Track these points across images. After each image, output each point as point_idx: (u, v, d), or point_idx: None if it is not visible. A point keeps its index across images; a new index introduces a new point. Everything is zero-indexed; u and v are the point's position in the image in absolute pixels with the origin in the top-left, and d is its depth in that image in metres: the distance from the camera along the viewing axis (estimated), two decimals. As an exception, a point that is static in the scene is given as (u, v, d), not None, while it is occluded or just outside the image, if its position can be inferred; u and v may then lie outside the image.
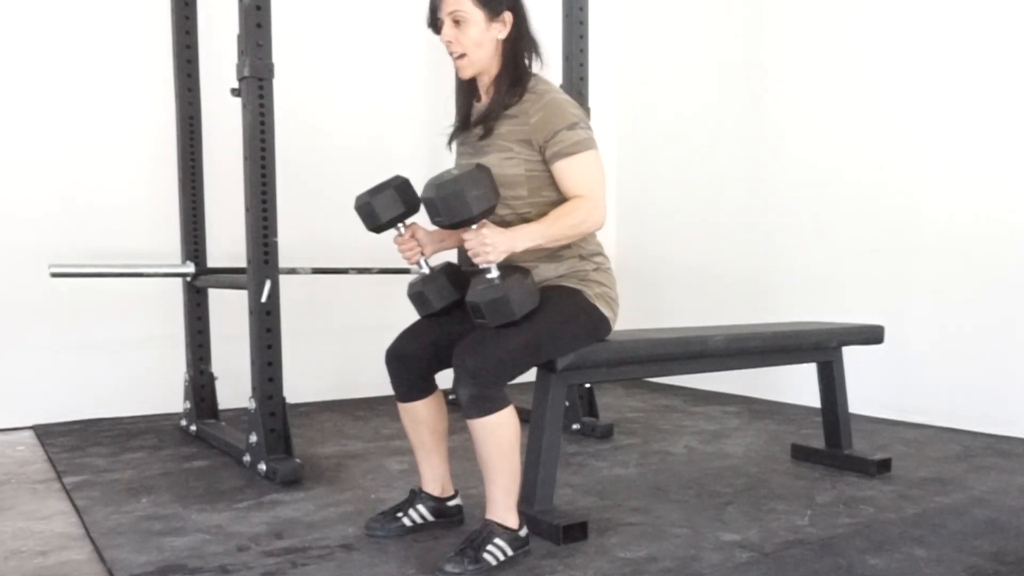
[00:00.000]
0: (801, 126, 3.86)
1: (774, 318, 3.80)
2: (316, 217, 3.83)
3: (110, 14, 3.41)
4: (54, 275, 2.80)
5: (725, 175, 4.24)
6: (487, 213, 1.76)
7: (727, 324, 2.71)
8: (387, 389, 4.15)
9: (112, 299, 3.41)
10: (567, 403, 3.12)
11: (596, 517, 2.09)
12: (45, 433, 3.12)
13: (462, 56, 1.88)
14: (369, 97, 4.05)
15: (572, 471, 2.59)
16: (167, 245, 3.24)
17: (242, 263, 2.54)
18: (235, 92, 2.50)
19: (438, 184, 1.73)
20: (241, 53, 2.41)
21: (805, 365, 2.71)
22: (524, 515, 1.86)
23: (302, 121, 3.75)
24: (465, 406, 1.75)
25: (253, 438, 2.50)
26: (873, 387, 3.49)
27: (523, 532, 1.82)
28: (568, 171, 1.85)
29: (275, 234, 2.47)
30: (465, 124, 2.01)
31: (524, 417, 1.86)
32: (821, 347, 2.59)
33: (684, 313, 4.33)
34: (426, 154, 4.19)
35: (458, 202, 1.72)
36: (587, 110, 3.18)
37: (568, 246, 1.94)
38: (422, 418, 1.99)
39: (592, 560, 1.79)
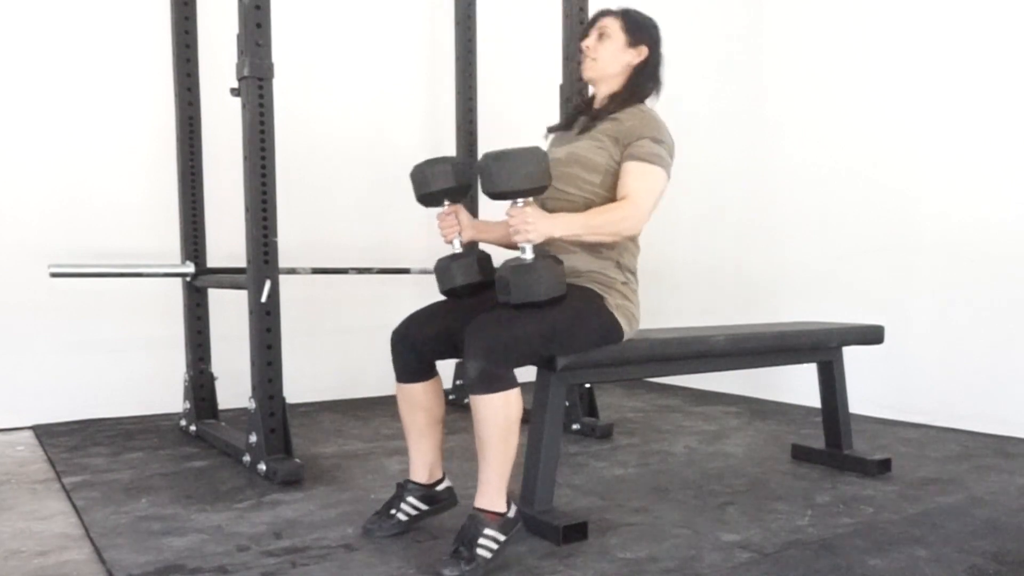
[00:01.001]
0: (801, 126, 3.86)
1: (774, 318, 3.80)
2: (316, 217, 3.83)
3: (110, 14, 3.41)
4: (54, 275, 2.80)
5: (725, 175, 4.24)
6: (534, 192, 1.82)
7: (727, 324, 2.71)
8: (387, 389, 4.13)
9: (112, 299, 3.41)
10: (567, 403, 3.12)
11: (596, 517, 2.09)
12: (45, 433, 3.12)
13: (592, 59, 2.11)
14: (369, 97, 4.05)
15: (572, 471, 2.58)
16: (167, 245, 3.24)
17: (242, 263, 2.54)
18: (235, 92, 2.50)
19: (495, 154, 1.79)
20: (241, 53, 2.41)
21: (805, 365, 2.71)
22: (512, 497, 1.85)
23: (302, 121, 3.75)
24: (472, 381, 1.75)
25: (253, 438, 2.50)
26: (873, 387, 3.49)
27: (512, 513, 1.81)
28: (631, 173, 1.97)
29: (275, 234, 2.47)
30: (568, 125, 2.20)
31: (524, 417, 1.86)
32: (821, 347, 2.59)
33: (684, 313, 4.33)
34: (426, 154, 4.19)
35: (509, 174, 1.78)
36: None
37: (610, 248, 2.02)
38: (419, 401, 2.00)
39: (592, 560, 1.79)
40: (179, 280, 3.17)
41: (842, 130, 3.68)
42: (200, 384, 3.13)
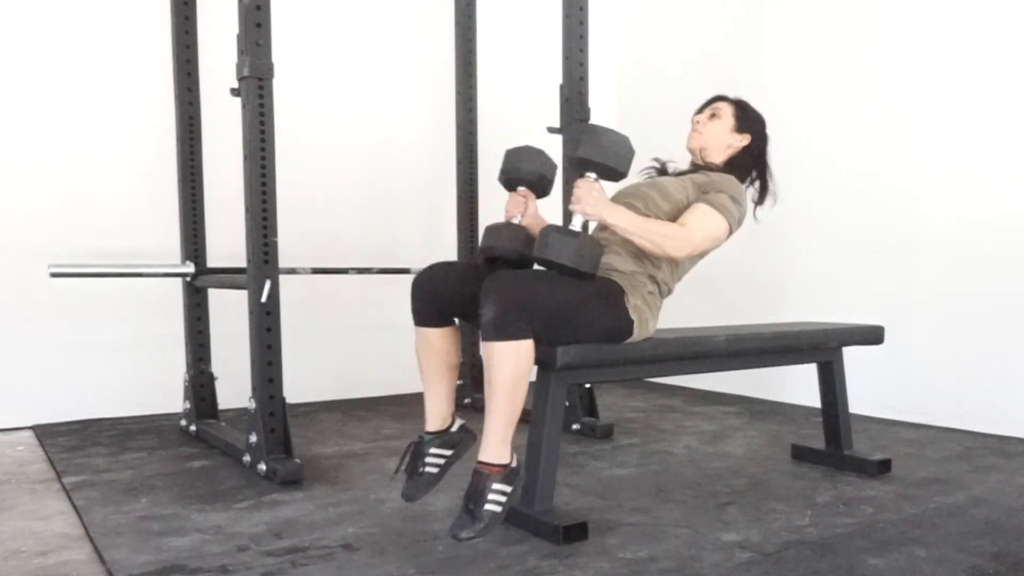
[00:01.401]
0: (801, 126, 3.85)
1: (774, 318, 3.80)
2: (316, 217, 3.83)
3: (110, 14, 3.41)
4: (54, 275, 2.80)
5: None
6: (611, 174, 1.92)
7: (727, 324, 2.71)
8: (387, 389, 4.13)
9: (112, 299, 3.41)
10: (567, 403, 3.12)
11: (596, 517, 2.09)
12: (45, 433, 3.12)
13: (699, 133, 2.34)
14: (369, 97, 4.05)
15: (572, 471, 2.58)
16: (167, 245, 3.24)
17: (242, 263, 2.54)
18: (235, 92, 2.50)
19: (596, 126, 1.92)
20: (241, 53, 2.41)
21: (805, 365, 2.71)
22: (515, 450, 1.87)
23: (302, 121, 3.75)
24: (485, 327, 1.78)
25: (253, 438, 2.50)
26: (873, 387, 3.49)
27: (514, 463, 1.84)
28: (696, 210, 2.12)
29: (275, 234, 2.47)
30: (662, 172, 2.41)
31: (524, 418, 1.86)
32: (821, 347, 2.59)
33: (684, 313, 4.33)
34: (426, 153, 4.20)
35: (601, 146, 1.89)
36: (587, 110, 3.19)
37: (651, 262, 2.10)
38: (435, 346, 2.02)
39: (592, 560, 1.79)
40: (179, 280, 3.17)
41: (842, 130, 3.67)
42: (200, 384, 3.13)
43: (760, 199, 2.37)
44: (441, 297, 1.98)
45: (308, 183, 3.79)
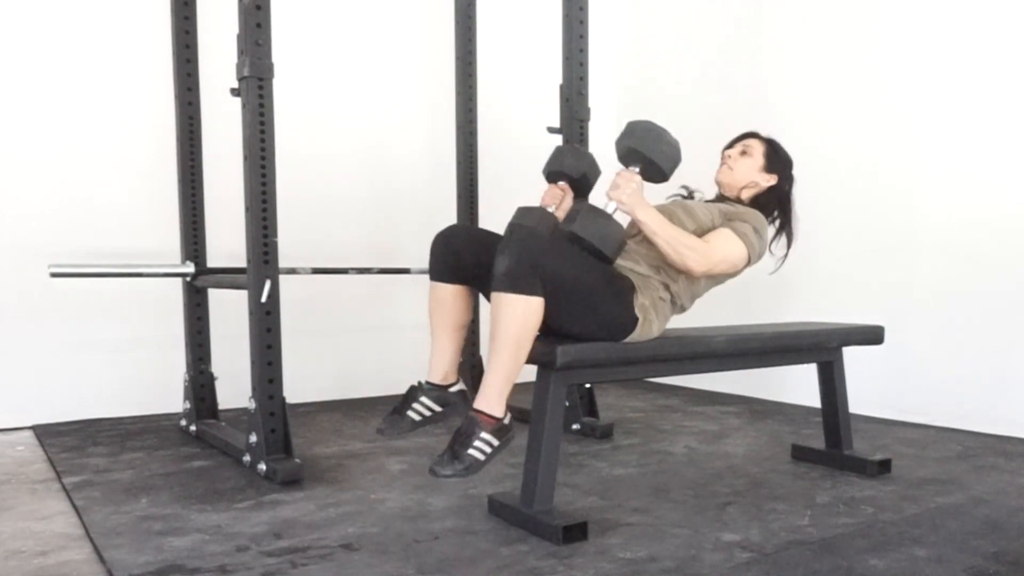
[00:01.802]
0: (801, 126, 3.85)
1: (774, 318, 3.80)
2: (316, 217, 3.83)
3: (110, 14, 3.41)
4: (54, 275, 2.80)
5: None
6: (654, 173, 2.02)
7: (727, 324, 2.71)
8: (387, 389, 4.13)
9: (112, 299, 3.41)
10: (567, 403, 3.12)
11: (596, 517, 2.09)
12: (45, 433, 3.12)
13: (728, 168, 2.40)
14: (369, 96, 4.05)
15: (572, 471, 2.58)
16: (167, 245, 3.24)
17: (242, 263, 2.54)
18: (235, 92, 2.50)
19: (653, 124, 2.02)
20: (241, 53, 2.40)
21: (805, 365, 2.71)
22: (512, 408, 1.90)
23: (302, 120, 3.75)
24: (498, 276, 1.81)
25: (253, 438, 2.50)
26: (873, 387, 3.49)
27: (507, 420, 1.86)
28: (720, 233, 2.18)
29: (275, 234, 2.47)
30: (688, 199, 2.47)
31: (524, 418, 1.86)
32: (821, 347, 2.59)
33: (684, 313, 4.33)
34: (426, 153, 4.20)
35: (652, 141, 1.98)
36: (587, 110, 3.19)
37: (668, 273, 2.13)
38: (446, 302, 2.06)
39: (592, 560, 1.79)
40: (179, 280, 3.17)
41: (842, 130, 3.67)
42: (200, 384, 3.13)
43: (778, 236, 2.44)
44: (459, 256, 2.03)
45: (308, 183, 3.79)
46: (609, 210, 2.01)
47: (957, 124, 3.26)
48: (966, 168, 3.23)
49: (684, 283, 2.19)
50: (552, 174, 2.27)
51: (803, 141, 3.83)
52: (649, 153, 1.97)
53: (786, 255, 2.46)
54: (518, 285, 1.79)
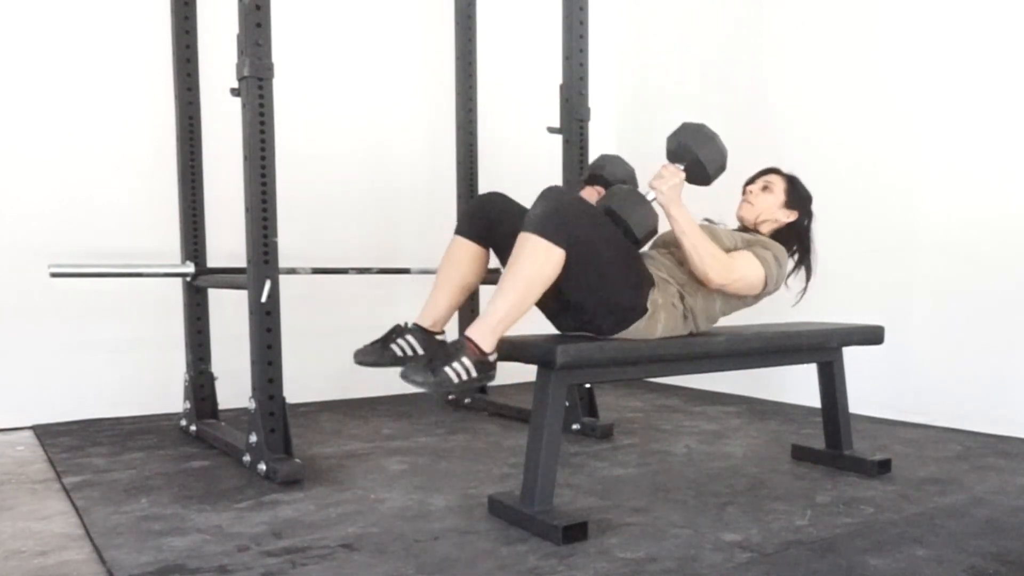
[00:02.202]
0: (801, 126, 3.85)
1: (774, 318, 3.79)
2: (316, 217, 3.83)
3: (110, 14, 3.41)
4: (54, 275, 2.80)
5: (724, 175, 4.23)
6: (699, 175, 2.09)
7: (727, 324, 2.71)
8: (387, 389, 4.13)
9: (112, 299, 3.41)
10: (567, 403, 3.12)
11: (596, 517, 2.09)
12: (45, 433, 3.12)
13: (750, 204, 2.45)
14: (369, 97, 4.05)
15: (572, 471, 2.58)
16: (167, 245, 3.24)
17: (242, 263, 2.54)
18: (235, 92, 2.50)
19: (708, 129, 2.10)
20: (241, 53, 2.40)
21: (805, 365, 2.71)
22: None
23: (302, 120, 3.75)
24: (530, 219, 1.86)
25: (253, 438, 2.50)
26: (873, 387, 3.49)
27: (493, 357, 1.88)
28: (742, 254, 2.23)
29: (275, 234, 2.47)
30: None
31: (524, 418, 1.86)
32: (821, 347, 2.59)
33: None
34: (426, 153, 4.20)
35: (702, 143, 2.04)
36: (587, 110, 3.19)
37: (688, 283, 2.17)
38: (462, 260, 2.12)
39: (592, 560, 1.79)
40: (179, 280, 3.17)
41: (842, 130, 3.67)
42: (200, 384, 3.13)
43: (796, 269, 2.47)
44: (488, 218, 2.10)
45: (308, 183, 3.79)
46: (648, 199, 2.10)
47: (957, 124, 3.26)
48: (966, 168, 3.23)
49: (701, 301, 2.22)
50: (591, 177, 2.39)
51: (803, 141, 3.84)
52: (698, 154, 2.04)
53: (805, 288, 2.48)
54: (547, 231, 1.83)
